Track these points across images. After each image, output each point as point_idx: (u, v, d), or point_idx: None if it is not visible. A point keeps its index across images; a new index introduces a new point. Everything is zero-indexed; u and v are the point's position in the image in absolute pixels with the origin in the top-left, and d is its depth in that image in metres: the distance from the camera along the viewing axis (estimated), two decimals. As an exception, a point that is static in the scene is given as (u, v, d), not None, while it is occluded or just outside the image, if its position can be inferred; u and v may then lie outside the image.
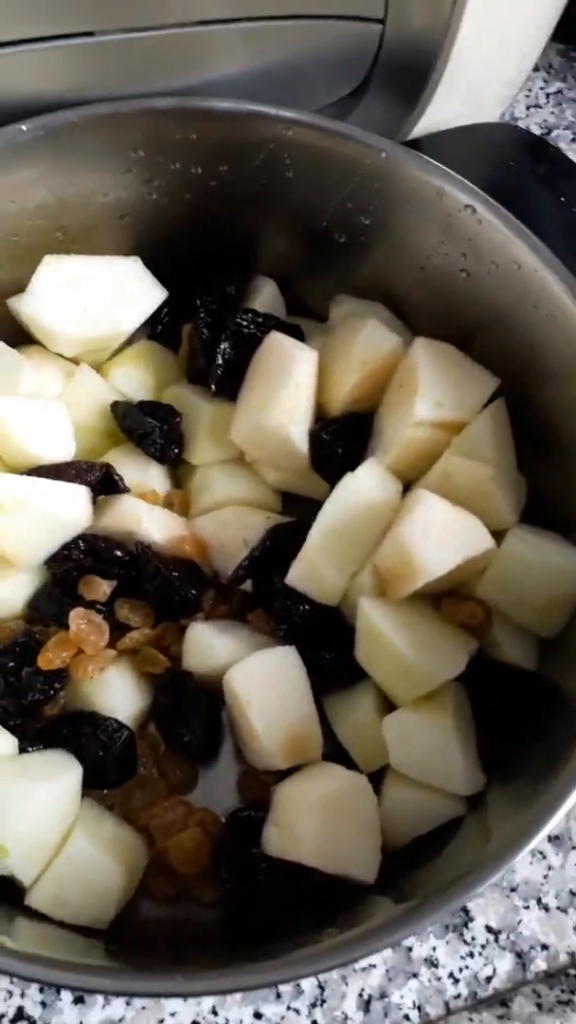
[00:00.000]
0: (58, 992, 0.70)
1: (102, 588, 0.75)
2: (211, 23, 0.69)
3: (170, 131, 0.75)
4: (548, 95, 1.21)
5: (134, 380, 0.84)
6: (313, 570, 0.74)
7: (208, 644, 0.74)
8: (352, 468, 0.75)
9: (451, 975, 0.73)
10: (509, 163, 0.88)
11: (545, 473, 0.77)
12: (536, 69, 1.07)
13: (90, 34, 0.67)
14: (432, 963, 0.74)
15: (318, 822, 0.66)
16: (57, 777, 0.66)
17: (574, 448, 0.73)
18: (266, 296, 0.87)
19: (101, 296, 0.80)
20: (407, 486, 0.76)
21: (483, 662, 0.73)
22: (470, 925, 0.75)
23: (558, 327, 0.71)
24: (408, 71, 0.77)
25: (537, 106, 1.21)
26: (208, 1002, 0.71)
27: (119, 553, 0.75)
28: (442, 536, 0.69)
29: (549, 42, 0.90)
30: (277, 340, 0.80)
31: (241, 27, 0.71)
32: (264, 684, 0.70)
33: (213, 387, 0.82)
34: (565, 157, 0.94)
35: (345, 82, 0.78)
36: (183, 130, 0.75)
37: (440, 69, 0.77)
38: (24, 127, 0.70)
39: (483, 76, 0.83)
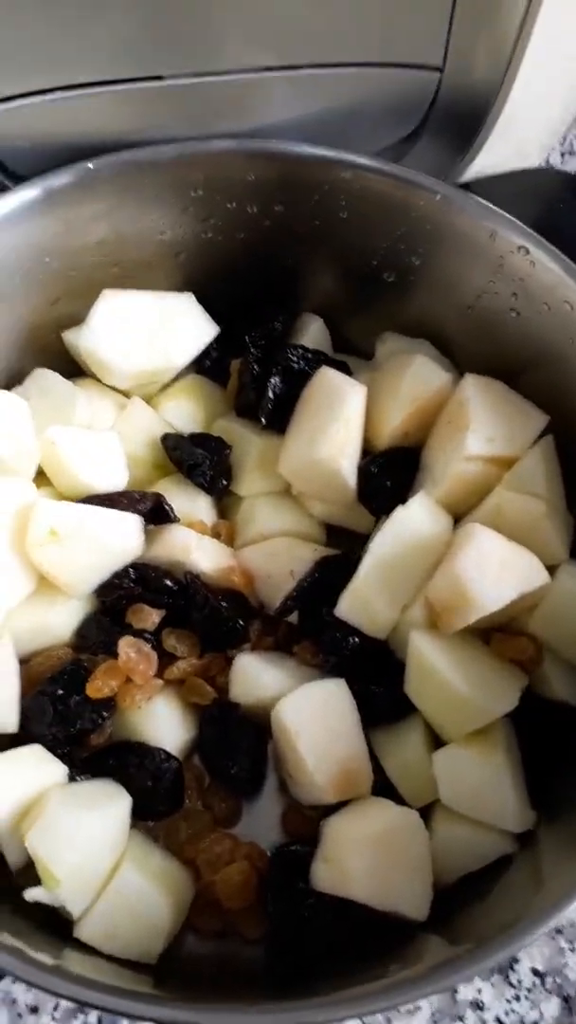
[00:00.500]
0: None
1: (151, 617, 0.75)
2: (275, 69, 0.71)
3: (230, 172, 0.77)
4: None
5: (184, 413, 0.86)
6: (363, 602, 0.74)
7: (255, 675, 0.74)
8: (400, 502, 0.76)
9: (497, 1019, 0.72)
10: (558, 205, 0.90)
11: None
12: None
13: (159, 78, 0.69)
14: (478, 1006, 0.72)
15: (369, 858, 0.65)
16: (107, 806, 0.66)
17: None
18: (313, 333, 0.89)
19: (155, 331, 0.81)
20: (457, 520, 0.77)
21: (531, 699, 0.73)
22: (516, 967, 0.74)
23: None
24: (463, 117, 0.79)
25: (572, 153, 1.24)
26: (252, 1042, 0.70)
27: (168, 582, 0.76)
28: (498, 571, 0.70)
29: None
30: (327, 375, 0.81)
31: (302, 74, 0.73)
32: (314, 717, 0.70)
33: (263, 420, 0.83)
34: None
35: (401, 126, 0.80)
36: (242, 171, 0.77)
37: (494, 116, 0.79)
38: (91, 165, 0.72)
39: (531, 123, 0.85)
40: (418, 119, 0.79)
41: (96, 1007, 0.54)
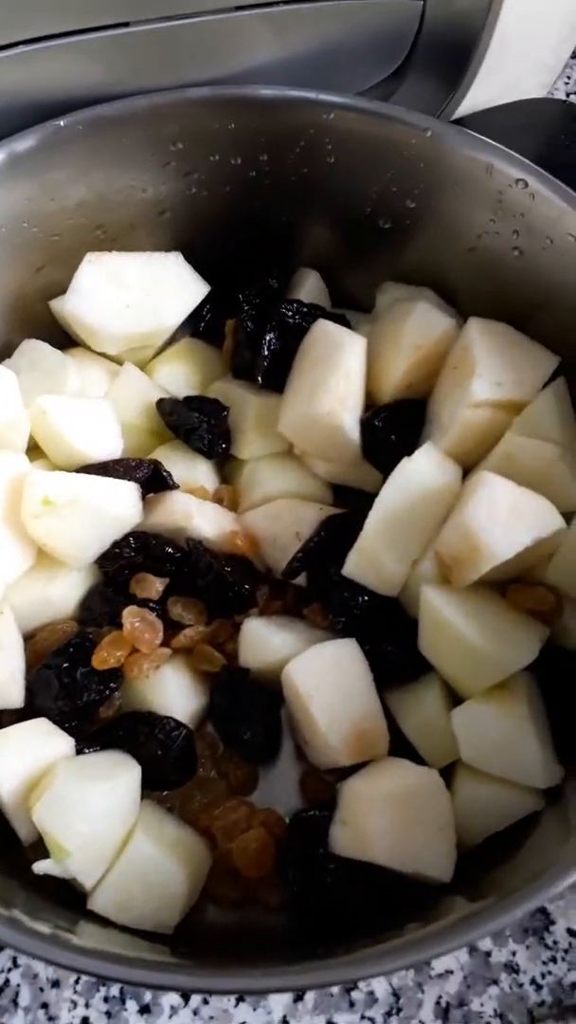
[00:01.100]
0: (123, 1002, 0.68)
1: (155, 586, 0.73)
2: (248, 8, 0.68)
3: (208, 121, 0.74)
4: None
5: (179, 377, 0.83)
6: (372, 560, 0.71)
7: (264, 639, 0.72)
8: (407, 455, 0.73)
9: (533, 981, 0.70)
10: (558, 136, 0.85)
11: None
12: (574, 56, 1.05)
13: (125, 25, 0.67)
14: (512, 968, 0.70)
15: (390, 819, 0.63)
16: (116, 777, 0.64)
17: None
18: (310, 287, 0.86)
19: (143, 292, 0.79)
20: (466, 472, 0.74)
21: (555, 651, 0.69)
22: (551, 928, 0.71)
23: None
24: (450, 49, 0.75)
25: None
26: (279, 1012, 0.68)
27: (170, 550, 0.74)
28: (509, 517, 0.66)
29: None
30: (324, 328, 0.78)
31: (278, 11, 0.70)
32: (325, 678, 0.68)
33: (260, 379, 0.80)
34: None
35: (386, 64, 0.77)
36: (221, 120, 0.74)
37: (483, 47, 0.75)
38: (62, 123, 0.70)
39: (524, 55, 0.81)
40: (403, 54, 0.76)
41: (109, 978, 0.52)
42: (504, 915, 0.53)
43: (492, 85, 0.79)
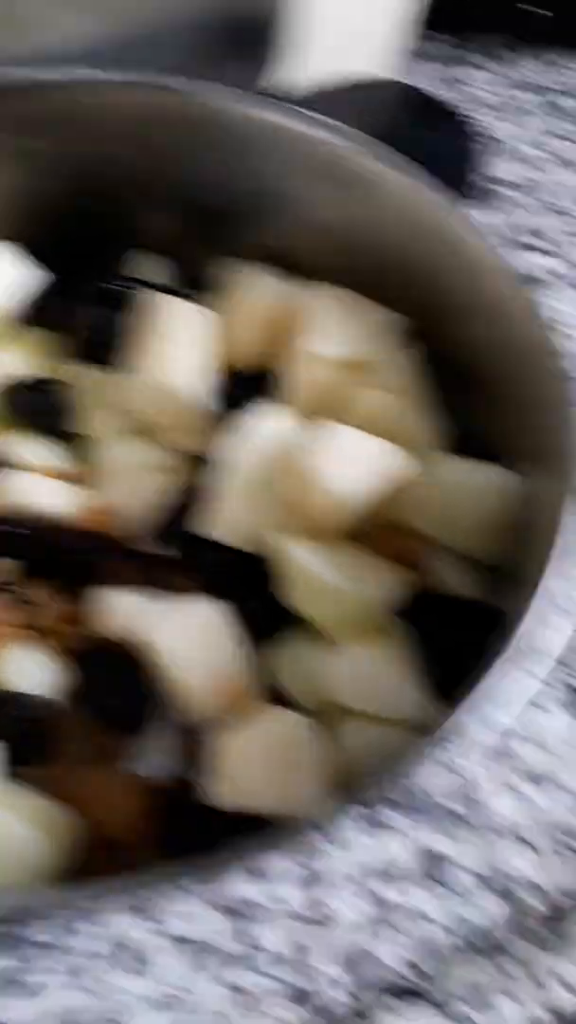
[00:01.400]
0: None
1: (3, 567, 0.70)
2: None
3: (14, 107, 0.73)
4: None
5: (20, 363, 0.81)
6: (226, 517, 0.70)
7: (124, 609, 0.69)
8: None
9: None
10: (401, 118, 0.90)
11: (468, 413, 0.75)
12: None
13: None
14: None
15: (263, 768, 0.61)
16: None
17: (489, 383, 0.73)
18: (153, 269, 0.86)
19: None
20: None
21: (434, 600, 0.69)
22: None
23: (457, 261, 0.72)
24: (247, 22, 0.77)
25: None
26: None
27: (11, 529, 0.70)
28: (354, 463, 0.67)
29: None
30: (166, 301, 0.78)
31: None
32: (183, 635, 0.66)
33: (104, 358, 0.79)
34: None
35: (190, 40, 0.79)
36: (24, 104, 0.73)
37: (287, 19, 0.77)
38: None
39: (350, 30, 0.84)
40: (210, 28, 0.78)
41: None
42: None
43: (318, 61, 0.82)
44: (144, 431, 0.80)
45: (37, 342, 0.83)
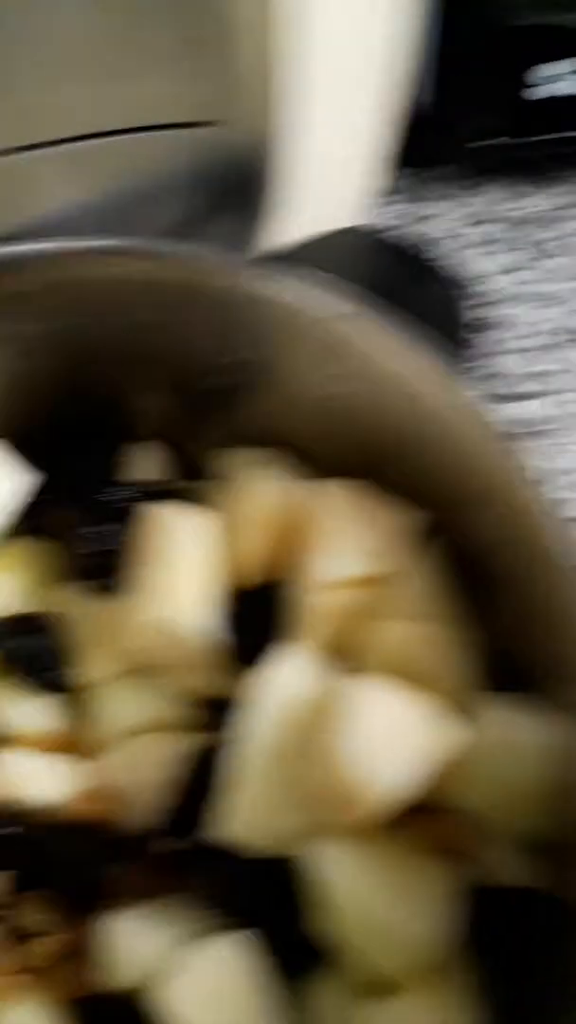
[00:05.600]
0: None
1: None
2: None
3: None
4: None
5: (3, 588, 0.70)
6: (245, 812, 0.56)
7: (131, 951, 0.56)
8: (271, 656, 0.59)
9: None
10: (384, 268, 0.77)
11: (489, 619, 0.61)
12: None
13: None
14: None
15: None
16: None
17: (508, 583, 0.58)
18: (150, 463, 0.74)
19: None
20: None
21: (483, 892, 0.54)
22: None
23: (461, 450, 0.59)
24: (240, 183, 0.66)
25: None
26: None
27: (8, 830, 0.59)
28: (390, 738, 0.53)
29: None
30: (162, 514, 0.66)
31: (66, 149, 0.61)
32: (210, 997, 0.53)
33: (96, 583, 0.67)
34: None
35: (179, 201, 0.68)
36: (13, 282, 0.64)
37: (276, 180, 0.66)
38: None
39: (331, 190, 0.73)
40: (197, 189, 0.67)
41: None
42: None
43: (304, 219, 0.70)
44: (147, 671, 0.68)
45: (27, 557, 0.73)
